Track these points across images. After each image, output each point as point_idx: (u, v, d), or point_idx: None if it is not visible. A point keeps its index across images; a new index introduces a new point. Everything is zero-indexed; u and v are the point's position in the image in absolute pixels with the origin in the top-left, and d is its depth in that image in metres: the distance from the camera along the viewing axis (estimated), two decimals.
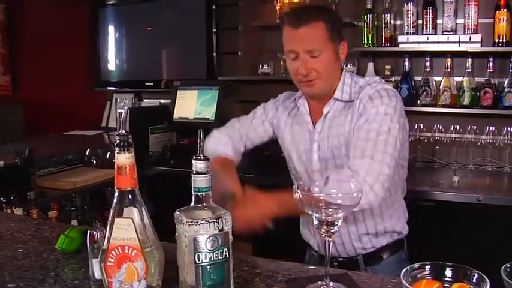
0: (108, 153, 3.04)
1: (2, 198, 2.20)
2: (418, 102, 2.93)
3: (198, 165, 0.97)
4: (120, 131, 0.99)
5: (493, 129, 2.81)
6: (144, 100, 4.03)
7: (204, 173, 0.98)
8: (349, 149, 1.55)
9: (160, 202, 2.28)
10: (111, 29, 4.10)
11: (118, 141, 0.98)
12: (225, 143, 1.79)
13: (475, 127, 2.84)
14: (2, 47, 4.70)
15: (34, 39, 4.45)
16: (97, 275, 1.10)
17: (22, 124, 4.23)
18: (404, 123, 1.58)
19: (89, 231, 1.13)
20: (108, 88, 4.13)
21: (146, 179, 3.20)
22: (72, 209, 2.23)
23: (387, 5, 2.97)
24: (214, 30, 3.61)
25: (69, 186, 2.56)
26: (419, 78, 2.94)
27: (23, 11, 4.53)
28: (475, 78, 2.81)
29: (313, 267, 1.18)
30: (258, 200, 1.48)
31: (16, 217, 1.85)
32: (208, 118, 3.36)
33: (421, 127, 2.97)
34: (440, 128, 2.92)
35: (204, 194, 0.98)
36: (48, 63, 4.36)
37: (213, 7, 3.57)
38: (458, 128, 2.87)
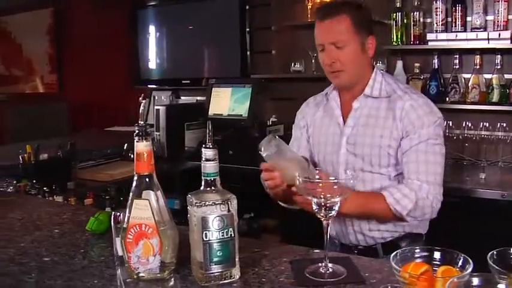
0: None
1: (45, 188, 2.38)
2: (447, 99, 2.94)
3: (207, 152, 1.08)
4: (139, 122, 1.11)
5: None
6: (182, 97, 4.20)
7: (213, 160, 1.08)
8: (378, 157, 1.64)
9: None
10: (149, 29, 4.29)
11: (137, 131, 1.10)
12: None
13: (504, 124, 2.82)
14: (50, 47, 4.98)
15: (78, 40, 4.70)
16: (120, 251, 1.22)
17: (67, 121, 4.49)
18: None
19: (113, 213, 1.25)
20: (148, 86, 4.33)
21: (180, 173, 3.37)
22: (107, 197, 2.39)
23: (416, 3, 2.99)
24: (248, 29, 3.73)
25: (107, 178, 2.73)
26: (448, 75, 2.95)
27: (68, 14, 4.79)
28: (505, 75, 2.80)
29: (317, 250, 1.27)
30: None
31: (56, 203, 2.02)
32: (242, 115, 3.45)
33: (450, 124, 2.96)
34: (469, 125, 2.91)
35: (212, 178, 1.09)
36: (91, 62, 4.60)
37: (247, 7, 3.69)
38: (487, 125, 2.85)
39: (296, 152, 1.66)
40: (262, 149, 1.40)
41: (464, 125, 2.93)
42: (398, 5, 3.02)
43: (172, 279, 1.14)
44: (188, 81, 4.05)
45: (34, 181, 2.49)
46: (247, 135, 3.31)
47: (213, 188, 1.09)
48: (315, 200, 1.10)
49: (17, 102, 5.23)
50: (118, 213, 1.25)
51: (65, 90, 4.93)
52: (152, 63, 4.32)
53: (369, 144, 1.66)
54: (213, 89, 3.62)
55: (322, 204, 1.09)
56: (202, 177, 1.10)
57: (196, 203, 1.05)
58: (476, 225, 2.40)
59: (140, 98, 1.11)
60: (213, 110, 3.59)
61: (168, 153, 3.33)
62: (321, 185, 1.10)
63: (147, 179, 1.12)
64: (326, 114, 1.81)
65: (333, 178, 1.13)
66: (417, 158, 1.59)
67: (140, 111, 1.12)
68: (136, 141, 1.11)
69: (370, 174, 1.67)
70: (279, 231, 3.18)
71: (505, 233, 2.29)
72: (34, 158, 2.61)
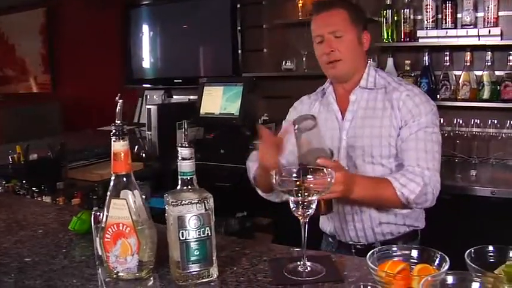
0: (136, 147, 3.19)
1: (34, 188, 2.38)
2: (438, 96, 2.93)
3: (183, 151, 1.08)
4: (116, 122, 1.10)
5: None
6: (174, 97, 4.19)
7: (189, 159, 1.08)
8: (379, 148, 1.65)
9: None
10: (142, 28, 4.28)
11: (114, 130, 1.10)
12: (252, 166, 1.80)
13: (495, 121, 2.82)
14: (43, 47, 4.97)
15: (71, 40, 4.70)
16: (100, 251, 1.21)
17: (59, 120, 4.48)
18: None
19: (93, 213, 1.25)
20: (140, 85, 4.31)
21: (172, 172, 3.36)
22: (94, 197, 2.39)
23: (406, 0, 2.99)
24: (239, 28, 3.72)
25: (97, 178, 2.71)
26: (438, 72, 2.95)
27: (61, 14, 4.78)
28: (495, 71, 2.79)
29: (298, 249, 1.26)
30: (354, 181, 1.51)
31: (43, 203, 2.02)
32: (233, 113, 3.45)
33: (441, 121, 2.95)
34: (461, 122, 2.91)
35: (189, 177, 1.09)
36: (84, 62, 4.59)
37: (238, 6, 3.68)
38: (478, 122, 2.85)
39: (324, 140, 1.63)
40: (297, 123, 1.41)
41: (455, 122, 2.92)
42: (388, 2, 3.02)
43: (151, 278, 1.14)
44: (180, 81, 4.04)
45: (24, 181, 2.48)
46: (239, 133, 3.31)
47: (189, 187, 1.09)
48: (291, 198, 1.09)
49: (11, 103, 5.22)
50: (98, 213, 1.25)
51: (59, 90, 4.93)
52: (145, 62, 4.31)
53: (369, 135, 1.67)
54: (205, 87, 3.61)
55: (300, 202, 1.09)
56: (179, 176, 1.09)
57: (172, 202, 1.05)
58: (467, 222, 2.39)
59: (117, 98, 1.11)
60: (204, 109, 3.58)
61: (159, 152, 3.33)
62: (298, 183, 1.09)
63: (124, 179, 1.11)
64: (323, 109, 1.81)
65: (310, 177, 1.12)
66: (416, 145, 1.61)
67: (117, 110, 1.11)
68: (113, 141, 1.10)
69: (372, 166, 1.67)
70: (272, 229, 3.17)
71: (495, 230, 2.29)
72: (24, 158, 2.60)
